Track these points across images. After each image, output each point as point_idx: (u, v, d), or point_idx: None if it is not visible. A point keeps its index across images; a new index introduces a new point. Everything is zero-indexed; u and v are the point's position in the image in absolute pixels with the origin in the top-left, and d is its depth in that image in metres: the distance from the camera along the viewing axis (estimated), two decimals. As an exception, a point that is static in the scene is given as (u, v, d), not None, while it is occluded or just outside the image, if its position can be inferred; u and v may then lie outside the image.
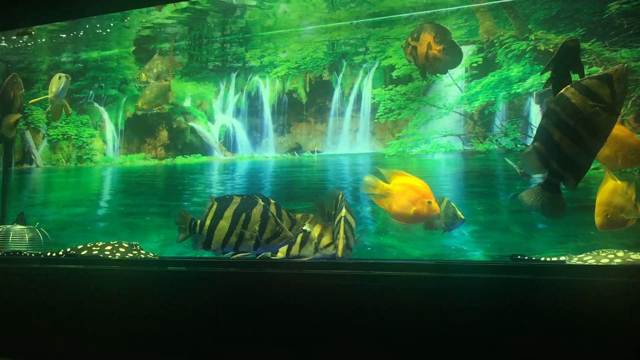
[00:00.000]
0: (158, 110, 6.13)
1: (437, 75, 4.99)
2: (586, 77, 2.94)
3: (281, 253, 4.24)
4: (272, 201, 4.13)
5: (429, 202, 4.23)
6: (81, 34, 6.57)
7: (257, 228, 3.80)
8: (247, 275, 3.79)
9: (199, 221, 3.90)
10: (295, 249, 4.21)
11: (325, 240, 4.15)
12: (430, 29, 4.63)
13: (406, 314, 3.30)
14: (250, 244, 3.85)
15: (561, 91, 2.97)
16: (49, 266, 4.48)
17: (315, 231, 4.20)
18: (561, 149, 2.96)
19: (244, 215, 3.83)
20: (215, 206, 3.91)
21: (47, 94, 5.83)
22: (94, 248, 4.70)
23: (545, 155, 3.02)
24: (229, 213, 3.85)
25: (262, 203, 3.91)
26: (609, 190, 3.98)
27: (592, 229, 4.51)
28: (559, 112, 2.95)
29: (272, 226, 3.85)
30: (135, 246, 4.82)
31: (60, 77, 5.52)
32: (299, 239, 4.21)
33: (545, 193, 3.12)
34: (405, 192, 4.31)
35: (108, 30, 6.44)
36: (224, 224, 3.86)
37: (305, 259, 4.18)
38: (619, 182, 3.94)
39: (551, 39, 5.13)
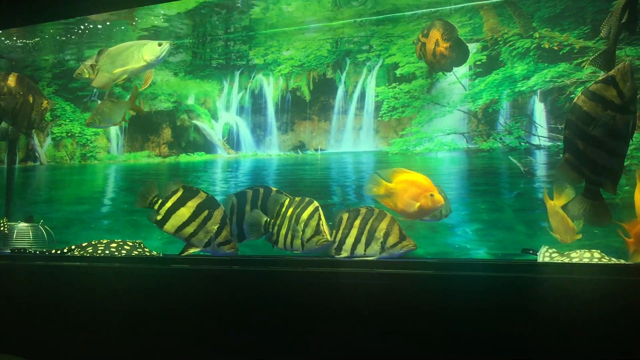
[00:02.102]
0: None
1: (444, 72, 4.99)
2: (593, 82, 2.95)
3: (345, 252, 4.20)
4: (273, 189, 4.49)
5: (432, 195, 4.22)
6: (86, 31, 6.57)
7: (214, 228, 3.99)
8: (251, 273, 3.80)
9: (160, 200, 4.17)
10: (360, 248, 4.16)
11: (392, 239, 4.08)
12: (439, 26, 4.64)
13: (409, 313, 3.30)
14: (203, 241, 4.13)
15: (574, 100, 2.99)
16: (53, 263, 4.49)
17: (381, 229, 4.12)
18: (589, 157, 2.99)
19: (206, 212, 4.02)
20: (181, 192, 4.17)
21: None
22: (98, 245, 4.71)
23: (577, 165, 3.04)
24: (193, 204, 4.02)
25: (222, 207, 4.22)
26: None
27: (596, 228, 4.51)
28: (575, 121, 2.99)
29: (226, 232, 4.15)
30: (139, 244, 4.84)
31: (160, 45, 4.79)
32: (363, 238, 4.16)
33: (588, 201, 3.14)
34: (407, 188, 4.31)
35: (109, 26, 6.44)
36: (185, 212, 4.02)
37: (371, 258, 4.09)
38: None
39: (555, 36, 5.12)
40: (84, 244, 4.79)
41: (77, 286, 4.09)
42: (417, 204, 4.23)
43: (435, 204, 4.23)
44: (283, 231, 4.18)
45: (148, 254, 4.77)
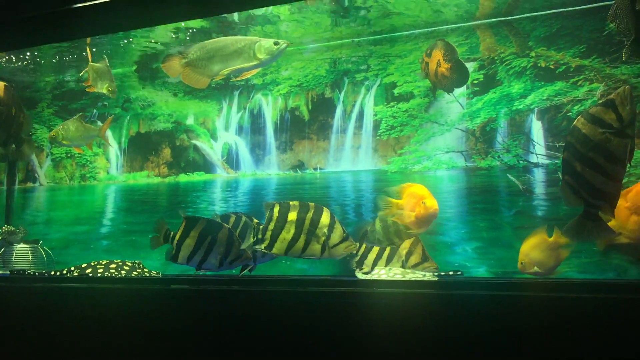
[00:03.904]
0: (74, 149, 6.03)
1: (448, 93, 5.01)
2: (592, 105, 2.99)
3: (366, 267, 4.16)
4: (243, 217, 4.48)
5: (423, 202, 4.21)
6: (85, 52, 6.62)
7: (222, 250, 4.01)
8: (251, 294, 3.79)
9: (171, 233, 4.20)
10: (381, 264, 4.13)
11: (414, 259, 4.05)
12: (441, 46, 4.68)
13: (409, 332, 3.29)
14: (215, 263, 4.16)
15: (574, 122, 3.02)
16: (52, 285, 4.48)
17: (404, 248, 4.07)
18: (586, 179, 3.00)
19: (209, 237, 4.05)
20: (185, 223, 4.19)
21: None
22: (98, 267, 4.71)
23: (576, 187, 3.05)
24: (195, 233, 4.04)
25: (228, 227, 4.22)
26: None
27: (595, 245, 4.52)
28: (574, 143, 3.01)
29: (235, 249, 4.15)
30: (139, 265, 4.83)
31: (277, 43, 4.39)
32: (385, 254, 4.10)
33: (588, 223, 3.15)
34: (408, 201, 4.34)
35: (109, 48, 6.49)
36: (190, 242, 4.13)
37: (392, 279, 4.07)
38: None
39: (551, 55, 5.17)
40: (83, 265, 4.78)
41: (77, 308, 4.08)
42: (413, 214, 4.25)
43: (428, 210, 4.21)
44: (286, 235, 4.11)
45: (147, 274, 4.76)
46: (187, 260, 4.20)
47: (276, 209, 4.10)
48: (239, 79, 4.59)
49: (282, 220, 4.06)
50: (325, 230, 3.94)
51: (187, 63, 4.29)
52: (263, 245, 4.04)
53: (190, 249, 4.16)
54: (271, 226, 4.04)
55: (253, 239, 4.06)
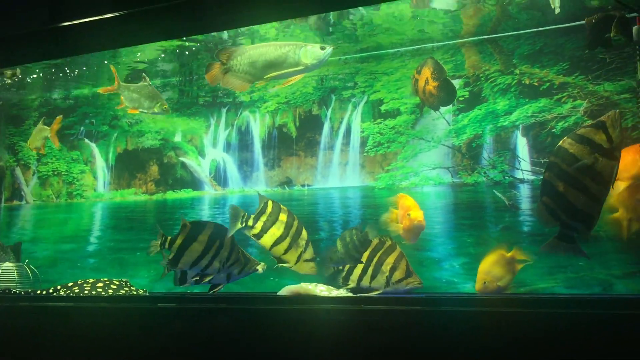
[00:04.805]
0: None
1: (434, 110, 5.06)
2: (579, 127, 3.03)
3: (352, 282, 4.17)
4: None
5: (408, 214, 4.26)
6: (73, 70, 6.62)
7: (226, 255, 4.01)
8: (238, 312, 3.78)
9: (169, 238, 4.15)
10: (366, 280, 4.14)
11: (398, 274, 4.06)
12: (430, 64, 4.72)
13: (396, 349, 3.29)
14: (217, 268, 4.15)
15: (559, 143, 3.04)
16: (38, 304, 4.45)
17: (388, 263, 4.09)
18: (568, 200, 3.01)
19: (217, 241, 4.03)
20: (189, 228, 4.15)
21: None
22: (85, 285, 4.68)
23: (554, 208, 3.06)
24: (203, 237, 4.02)
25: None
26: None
27: (581, 260, 4.55)
28: (559, 163, 3.01)
29: (236, 254, 4.18)
30: (126, 283, 4.81)
31: (323, 48, 4.24)
32: (370, 270, 4.13)
33: (561, 244, 3.18)
34: (399, 212, 4.44)
35: (96, 67, 6.50)
36: (198, 246, 3.99)
37: (376, 292, 4.08)
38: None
39: (535, 73, 5.23)
40: (69, 284, 4.75)
41: (63, 327, 4.05)
42: (401, 226, 4.31)
43: (412, 222, 4.27)
44: (275, 232, 4.14)
45: (135, 292, 4.74)
46: (192, 266, 4.16)
47: (270, 204, 4.16)
48: (283, 85, 4.54)
49: (275, 217, 4.11)
50: (303, 243, 4.02)
51: (227, 69, 4.25)
52: (252, 232, 4.10)
53: (198, 253, 4.12)
54: (264, 218, 4.09)
55: (241, 225, 4.10)
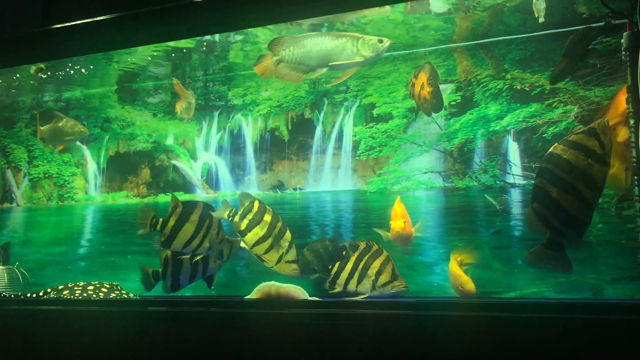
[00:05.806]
0: None
1: (427, 115, 5.08)
2: (571, 133, 3.05)
3: (339, 287, 4.19)
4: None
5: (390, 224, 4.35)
6: (65, 72, 6.60)
7: (215, 233, 4.03)
8: (229, 315, 3.78)
9: (161, 220, 4.11)
10: (352, 284, 4.16)
11: (384, 278, 4.08)
12: (427, 69, 4.75)
13: (387, 354, 3.30)
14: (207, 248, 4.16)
15: (550, 150, 3.06)
16: (28, 307, 4.42)
17: (374, 267, 4.12)
18: (561, 206, 3.02)
19: (207, 221, 4.04)
20: (180, 209, 4.12)
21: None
22: (75, 288, 4.66)
23: (545, 214, 3.07)
24: (194, 217, 4.01)
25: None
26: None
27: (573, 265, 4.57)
28: (552, 169, 3.02)
29: (222, 233, 4.24)
30: (117, 286, 4.79)
31: (381, 41, 4.11)
32: (356, 275, 4.16)
33: (549, 253, 3.17)
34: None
35: (91, 67, 6.47)
36: (190, 227, 4.06)
37: (362, 296, 4.10)
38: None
39: (527, 78, 5.26)
40: (60, 287, 4.73)
41: (53, 330, 4.03)
42: (389, 234, 4.36)
43: (392, 231, 4.33)
44: (259, 231, 4.15)
45: (125, 296, 4.72)
46: (184, 246, 4.13)
47: (256, 204, 4.17)
48: (340, 79, 4.54)
49: (260, 216, 4.12)
50: (286, 244, 4.04)
51: (280, 60, 4.15)
52: (239, 229, 4.17)
53: (190, 234, 4.10)
54: (250, 216, 4.10)
55: (227, 217, 4.11)
